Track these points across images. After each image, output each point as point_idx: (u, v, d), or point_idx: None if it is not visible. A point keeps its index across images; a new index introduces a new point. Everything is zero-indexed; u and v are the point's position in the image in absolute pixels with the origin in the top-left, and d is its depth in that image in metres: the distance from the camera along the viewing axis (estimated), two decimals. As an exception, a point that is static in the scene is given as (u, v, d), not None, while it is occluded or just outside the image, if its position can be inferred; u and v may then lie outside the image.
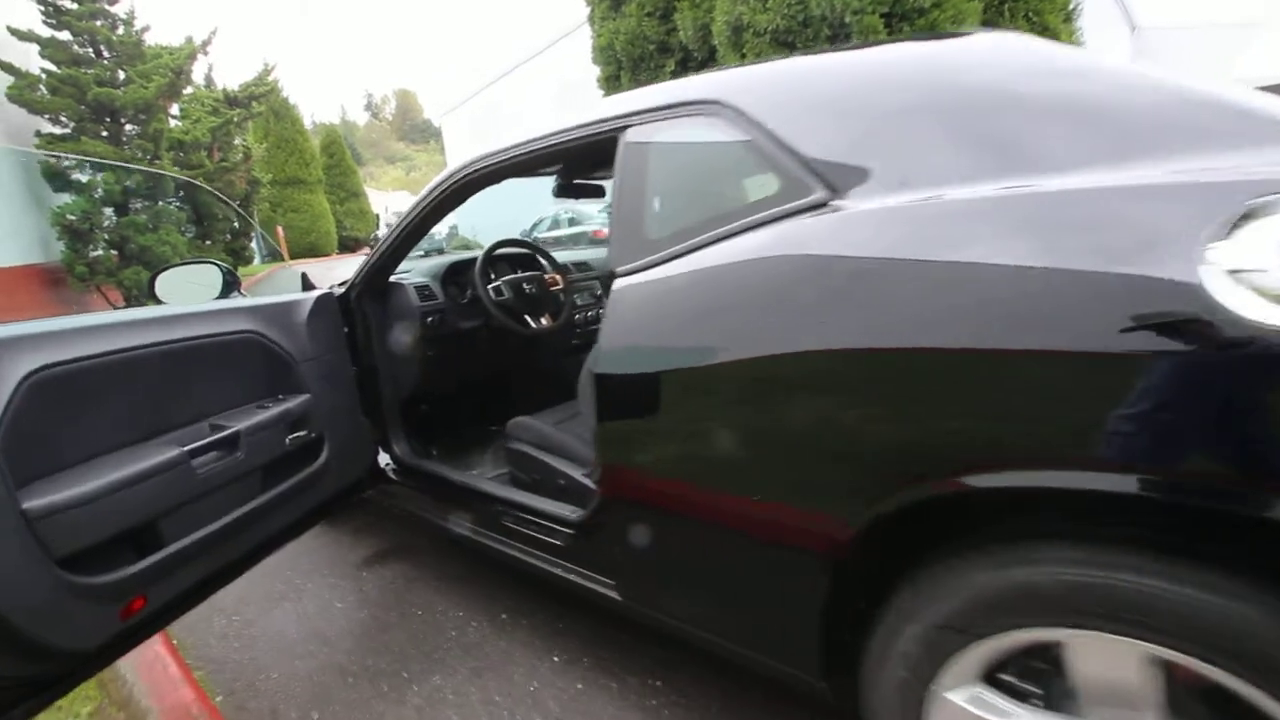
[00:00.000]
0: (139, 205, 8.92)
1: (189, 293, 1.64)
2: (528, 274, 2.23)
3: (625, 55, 7.49)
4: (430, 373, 2.10)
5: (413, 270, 2.18)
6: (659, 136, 1.21)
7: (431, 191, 1.71)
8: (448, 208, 1.75)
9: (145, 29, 9.45)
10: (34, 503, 1.03)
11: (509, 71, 18.01)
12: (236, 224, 10.87)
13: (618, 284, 1.18)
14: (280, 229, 15.97)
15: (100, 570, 1.15)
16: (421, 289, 2.07)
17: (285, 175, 17.69)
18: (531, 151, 1.48)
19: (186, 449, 1.29)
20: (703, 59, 6.26)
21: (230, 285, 1.71)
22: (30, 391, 1.07)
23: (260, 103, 11.89)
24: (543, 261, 2.41)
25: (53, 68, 8.46)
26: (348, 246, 20.65)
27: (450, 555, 2.18)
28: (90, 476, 1.13)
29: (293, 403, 1.62)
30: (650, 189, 1.23)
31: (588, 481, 1.58)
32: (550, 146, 1.43)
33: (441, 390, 2.26)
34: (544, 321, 2.19)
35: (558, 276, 2.34)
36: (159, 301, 1.61)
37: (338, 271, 1.84)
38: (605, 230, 8.07)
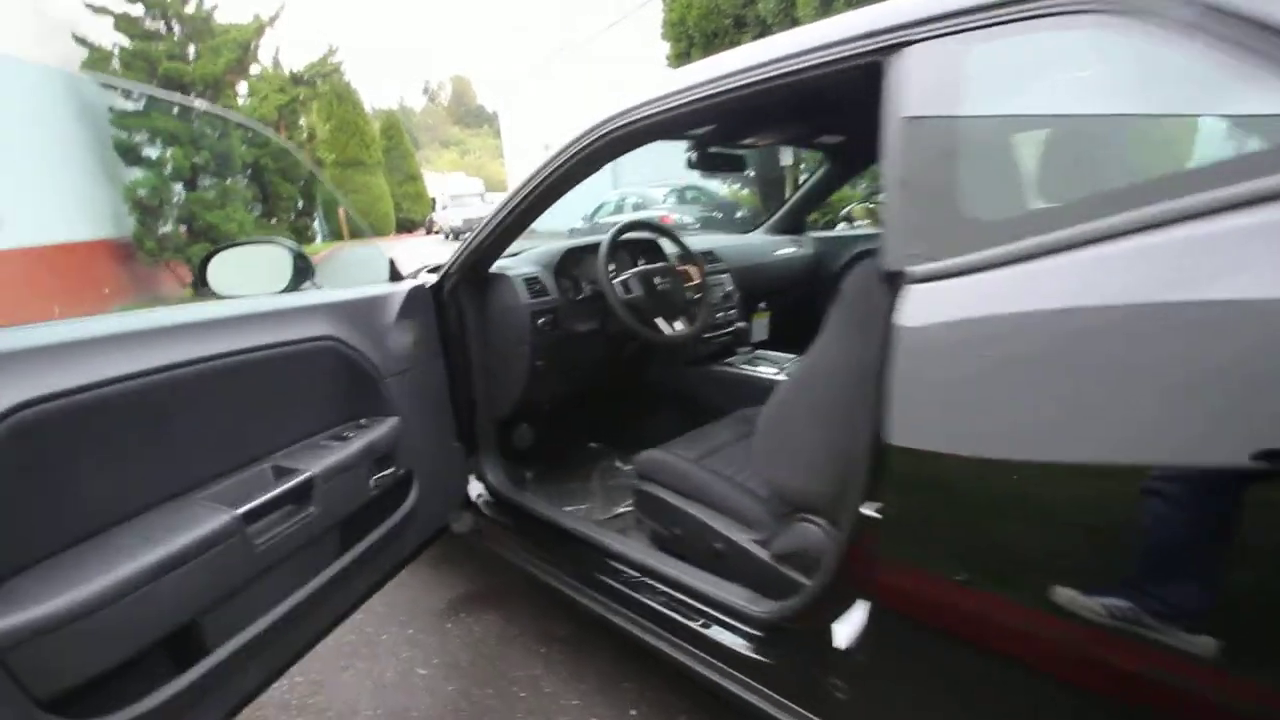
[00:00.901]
0: (208, 182, 8.88)
1: (249, 280, 1.27)
2: (655, 265, 1.78)
3: (698, 30, 6.97)
4: (537, 385, 1.68)
5: (519, 258, 1.76)
6: (1017, 46, 0.73)
7: (556, 159, 1.28)
8: (575, 178, 1.31)
9: (215, 7, 9.38)
10: (2, 622, 0.65)
11: (569, 52, 17.56)
12: (301, 203, 10.84)
13: (922, 291, 0.72)
14: (343, 211, 16.07)
15: (106, 707, 0.76)
16: (531, 281, 1.66)
17: (346, 157, 17.83)
18: (708, 97, 1.01)
19: (240, 512, 0.90)
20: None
21: (301, 274, 1.33)
22: (10, 438, 0.69)
23: (325, 82, 11.81)
24: (673, 249, 1.96)
25: (125, 42, 8.44)
26: (405, 228, 20.78)
27: (554, 609, 1.77)
28: (92, 568, 0.74)
29: (378, 430, 1.22)
30: (988, 135, 0.76)
31: (762, 553, 1.13)
32: (744, 86, 0.96)
33: (546, 406, 1.85)
34: (679, 326, 1.75)
35: (692, 269, 1.88)
36: (210, 291, 1.25)
37: (396, 253, 1.45)
38: (672, 217, 7.57)
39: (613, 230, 1.74)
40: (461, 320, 1.56)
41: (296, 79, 10.98)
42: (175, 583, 0.81)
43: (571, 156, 1.25)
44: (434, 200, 22.78)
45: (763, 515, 1.18)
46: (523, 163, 20.01)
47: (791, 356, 2.10)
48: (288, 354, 1.07)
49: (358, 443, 1.16)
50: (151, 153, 8.51)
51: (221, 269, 1.29)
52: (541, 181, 1.32)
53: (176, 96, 8.50)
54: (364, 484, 1.17)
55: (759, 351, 2.20)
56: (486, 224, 1.45)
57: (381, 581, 1.32)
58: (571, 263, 1.79)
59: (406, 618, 1.81)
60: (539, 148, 15.35)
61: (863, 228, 3.03)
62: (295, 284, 1.33)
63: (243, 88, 10.37)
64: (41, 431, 0.72)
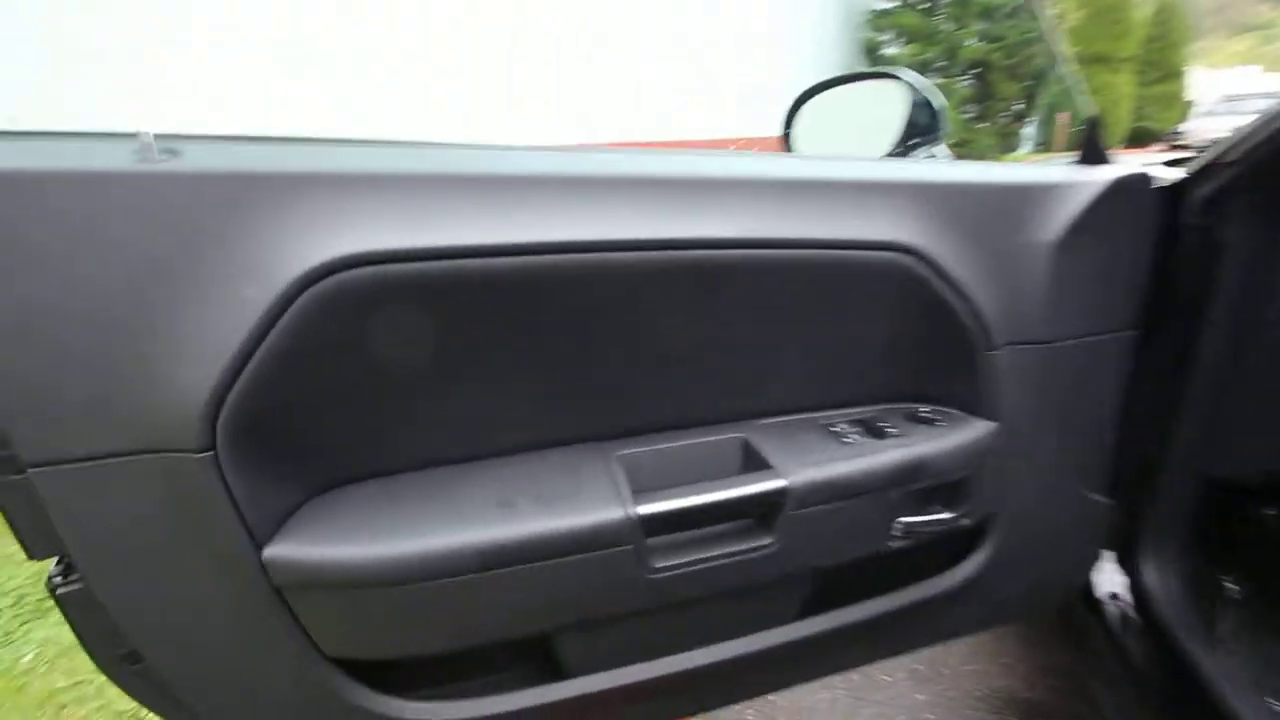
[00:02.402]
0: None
1: (838, 133, 0.82)
2: None
3: None
4: None
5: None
6: None
7: None
8: None
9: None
10: (285, 551, 0.45)
11: None
12: (1019, 106, 9.80)
13: None
14: (1064, 116, 13.90)
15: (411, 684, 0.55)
16: None
17: (1090, 51, 15.05)
18: None
19: (638, 513, 0.51)
20: None
21: (918, 130, 0.78)
22: (312, 311, 0.45)
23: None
24: None
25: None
26: (1137, 141, 16.60)
27: None
28: (432, 516, 0.52)
29: (945, 438, 0.65)
30: None
31: None
32: None
33: None
34: None
35: None
36: (790, 144, 0.86)
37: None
38: None
39: None
40: (1230, 263, 0.73)
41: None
42: (544, 576, 0.52)
43: None
44: (1189, 104, 17.15)
45: None
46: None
47: None
48: (812, 263, 0.58)
49: (894, 450, 0.62)
50: (890, 50, 8.92)
51: (811, 116, 0.87)
52: None
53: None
54: (878, 524, 0.64)
55: None
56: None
57: (875, 657, 0.81)
58: None
59: (920, 672, 1.26)
60: None
61: None
62: (904, 146, 0.80)
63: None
64: (361, 308, 0.47)
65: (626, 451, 0.60)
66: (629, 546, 0.53)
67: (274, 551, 0.48)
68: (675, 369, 0.60)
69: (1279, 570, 0.88)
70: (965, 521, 0.68)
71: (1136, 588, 0.87)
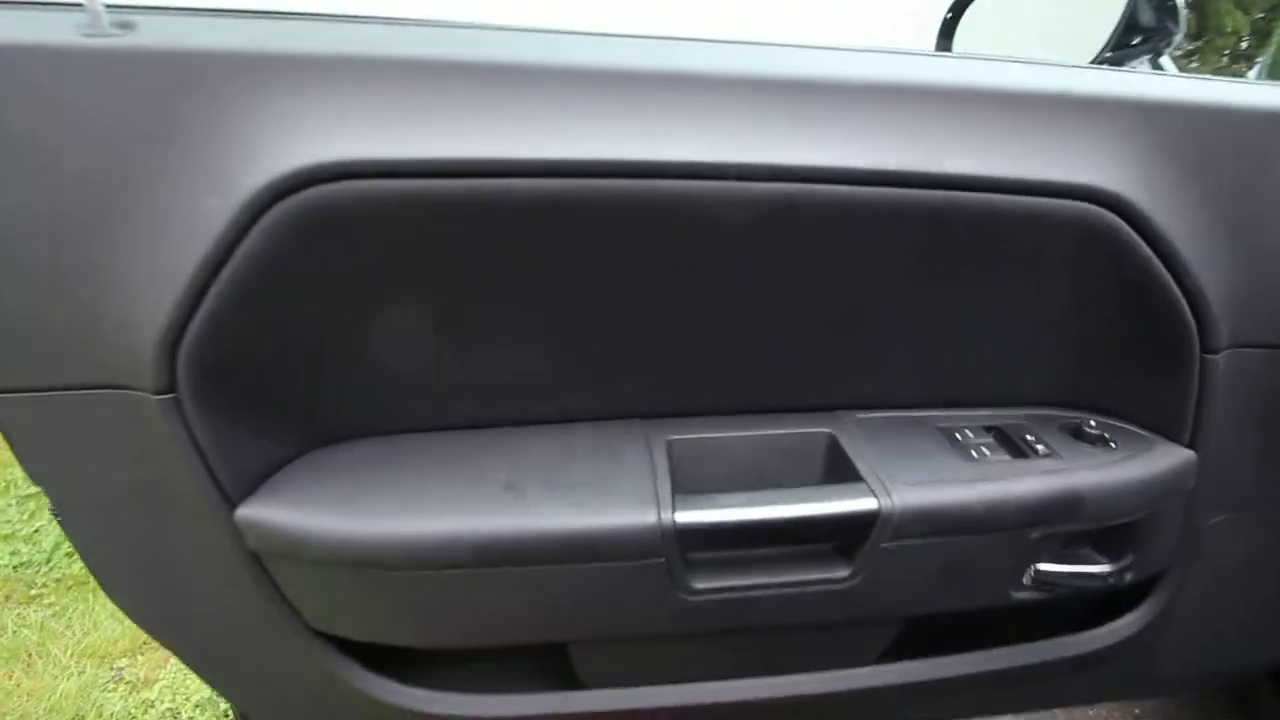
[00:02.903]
0: None
1: (1023, 35, 0.60)
2: None
3: None
4: None
5: None
6: None
7: None
8: None
9: None
10: (261, 513, 0.41)
11: None
12: (1243, 42, 8.00)
13: None
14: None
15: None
16: None
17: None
18: None
19: (677, 522, 0.40)
20: None
21: (1138, 30, 0.55)
22: (284, 230, 0.36)
23: None
24: None
25: None
26: None
27: None
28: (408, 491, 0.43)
29: (1121, 468, 0.47)
30: None
31: None
32: None
33: None
34: None
35: None
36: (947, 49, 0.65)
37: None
38: None
39: None
40: None
41: None
42: (551, 580, 0.43)
43: None
44: None
45: None
46: None
47: None
48: (953, 208, 0.41)
49: (1041, 475, 0.45)
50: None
51: (980, 28, 0.65)
52: None
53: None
54: (1003, 569, 0.48)
55: None
56: None
57: (965, 716, 0.66)
58: None
59: None
60: None
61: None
62: (1116, 50, 0.57)
63: None
64: (343, 228, 0.37)
65: (676, 437, 0.48)
66: (659, 560, 0.42)
67: (249, 512, 0.41)
68: (746, 335, 0.47)
69: None
70: (1127, 578, 0.51)
71: None
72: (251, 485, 0.42)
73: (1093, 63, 0.59)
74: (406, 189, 0.36)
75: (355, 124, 0.35)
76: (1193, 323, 0.45)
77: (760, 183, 0.38)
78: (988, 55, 0.50)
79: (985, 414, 0.52)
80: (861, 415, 0.51)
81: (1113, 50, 0.58)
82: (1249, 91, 0.46)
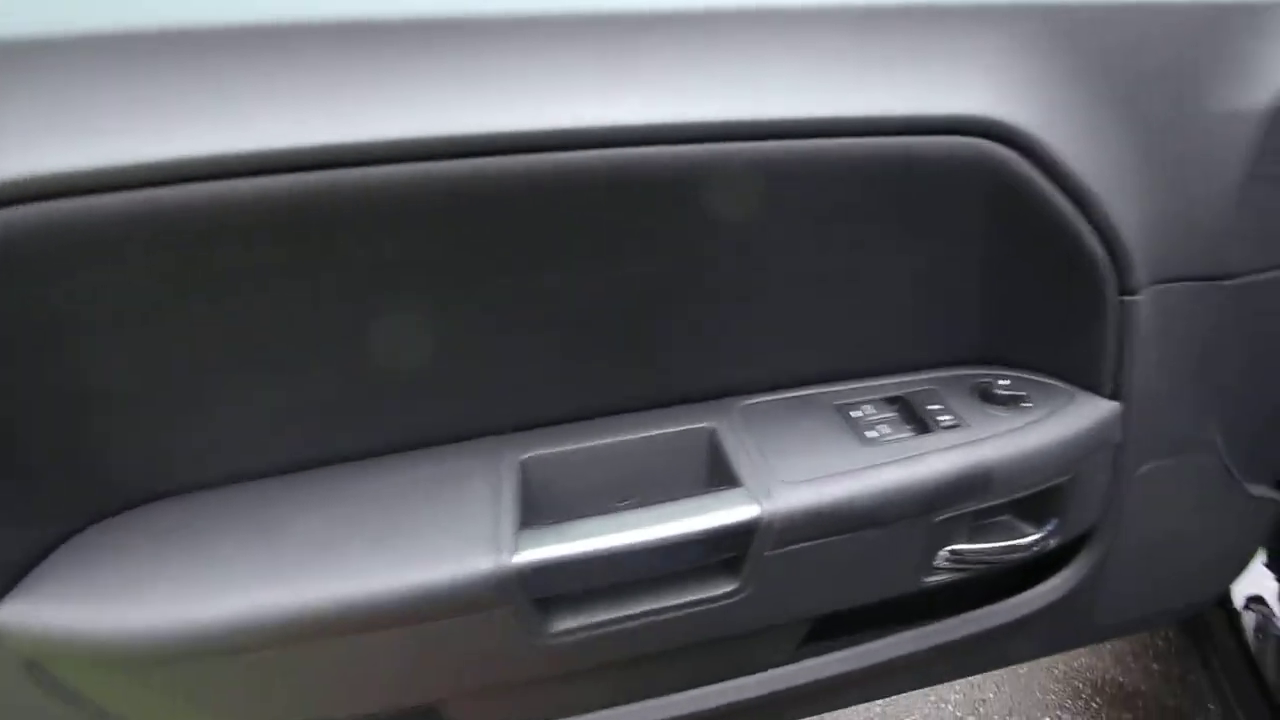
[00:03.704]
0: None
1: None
2: None
3: None
4: None
5: None
6: None
7: None
8: None
9: None
10: (21, 615, 0.34)
11: None
12: None
13: None
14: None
15: None
16: None
17: None
18: None
19: (513, 564, 0.35)
20: None
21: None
22: None
23: None
24: None
25: None
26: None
27: None
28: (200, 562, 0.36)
29: (1045, 428, 0.42)
30: None
31: None
32: None
33: None
34: None
35: None
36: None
37: None
38: None
39: None
40: None
41: None
42: (385, 646, 0.36)
43: None
44: None
45: None
46: None
47: None
48: (820, 157, 0.34)
49: (943, 453, 0.40)
50: None
51: None
52: None
53: None
54: (909, 558, 0.43)
55: None
56: None
57: (906, 689, 0.63)
58: None
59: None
60: None
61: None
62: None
63: None
64: (99, 246, 0.29)
65: (532, 454, 0.41)
66: (507, 607, 0.36)
67: (7, 614, 0.34)
68: (607, 324, 0.40)
69: None
70: (1053, 543, 0.47)
71: None
72: (10, 580, 0.35)
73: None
74: (114, 205, 0.28)
75: (41, 125, 0.27)
76: (1107, 261, 0.39)
77: (573, 151, 0.31)
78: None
79: (890, 382, 0.47)
80: (748, 402, 0.45)
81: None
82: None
